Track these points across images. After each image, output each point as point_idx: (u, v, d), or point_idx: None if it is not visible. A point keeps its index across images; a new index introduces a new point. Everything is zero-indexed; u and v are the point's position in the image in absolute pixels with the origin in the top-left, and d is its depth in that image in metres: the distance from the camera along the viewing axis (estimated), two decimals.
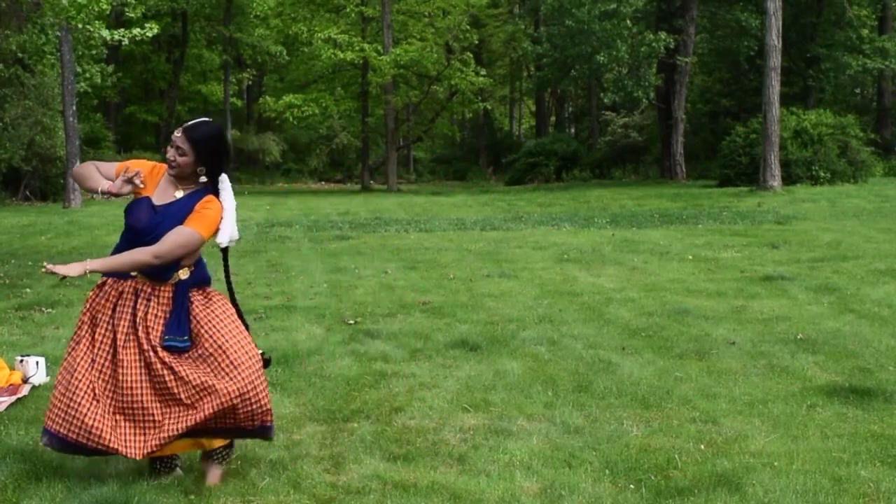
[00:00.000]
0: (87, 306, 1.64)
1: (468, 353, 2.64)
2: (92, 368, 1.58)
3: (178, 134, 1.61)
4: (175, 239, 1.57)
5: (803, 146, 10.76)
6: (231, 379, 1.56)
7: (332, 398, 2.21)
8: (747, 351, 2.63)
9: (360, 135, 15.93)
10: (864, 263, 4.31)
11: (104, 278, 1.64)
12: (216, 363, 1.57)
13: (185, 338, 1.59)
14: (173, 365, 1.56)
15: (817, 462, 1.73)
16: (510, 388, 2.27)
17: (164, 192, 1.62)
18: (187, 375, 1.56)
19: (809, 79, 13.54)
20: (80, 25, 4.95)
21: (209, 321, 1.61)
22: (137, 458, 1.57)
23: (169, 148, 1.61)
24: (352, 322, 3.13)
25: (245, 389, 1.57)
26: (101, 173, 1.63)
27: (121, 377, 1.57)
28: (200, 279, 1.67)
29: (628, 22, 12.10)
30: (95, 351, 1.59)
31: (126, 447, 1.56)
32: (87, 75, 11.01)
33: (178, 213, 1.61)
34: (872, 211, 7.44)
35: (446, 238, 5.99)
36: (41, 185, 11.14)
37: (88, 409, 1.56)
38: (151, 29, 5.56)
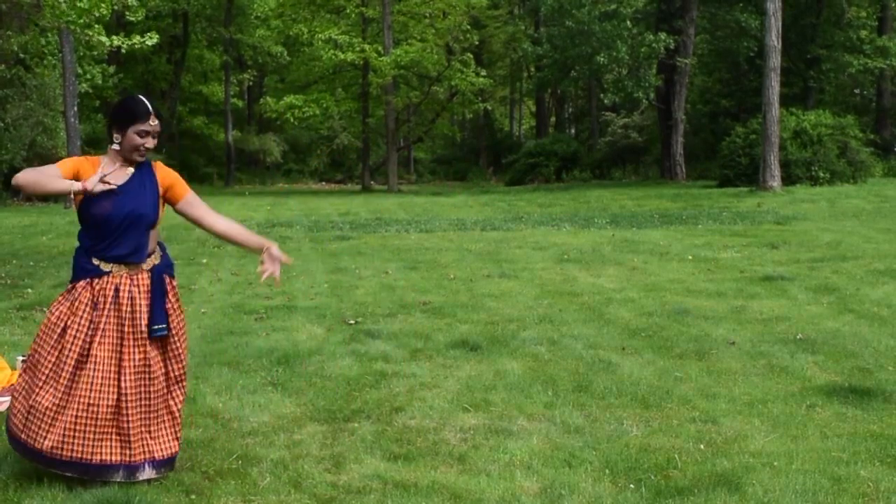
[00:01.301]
0: (56, 312, 1.58)
1: (468, 353, 2.65)
2: (59, 379, 1.54)
3: (155, 122, 1.59)
4: (204, 204, 1.61)
5: (803, 147, 10.76)
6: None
7: (333, 398, 2.21)
8: (747, 351, 2.64)
9: (360, 135, 15.92)
10: (863, 263, 4.32)
11: (75, 282, 1.60)
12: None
13: (165, 325, 1.61)
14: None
15: (817, 462, 1.73)
16: (510, 388, 2.28)
17: (114, 175, 1.58)
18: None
19: (809, 79, 13.55)
20: (79, 30, 4.96)
21: (176, 332, 1.63)
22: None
23: (147, 138, 1.57)
24: (352, 322, 3.14)
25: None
26: (52, 175, 1.55)
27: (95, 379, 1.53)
28: (169, 263, 1.68)
29: (628, 23, 12.10)
30: (64, 352, 1.55)
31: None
32: (89, 76, 11.04)
33: (138, 187, 1.59)
34: (872, 211, 7.44)
35: (447, 238, 6.00)
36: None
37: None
38: (151, 38, 5.58)
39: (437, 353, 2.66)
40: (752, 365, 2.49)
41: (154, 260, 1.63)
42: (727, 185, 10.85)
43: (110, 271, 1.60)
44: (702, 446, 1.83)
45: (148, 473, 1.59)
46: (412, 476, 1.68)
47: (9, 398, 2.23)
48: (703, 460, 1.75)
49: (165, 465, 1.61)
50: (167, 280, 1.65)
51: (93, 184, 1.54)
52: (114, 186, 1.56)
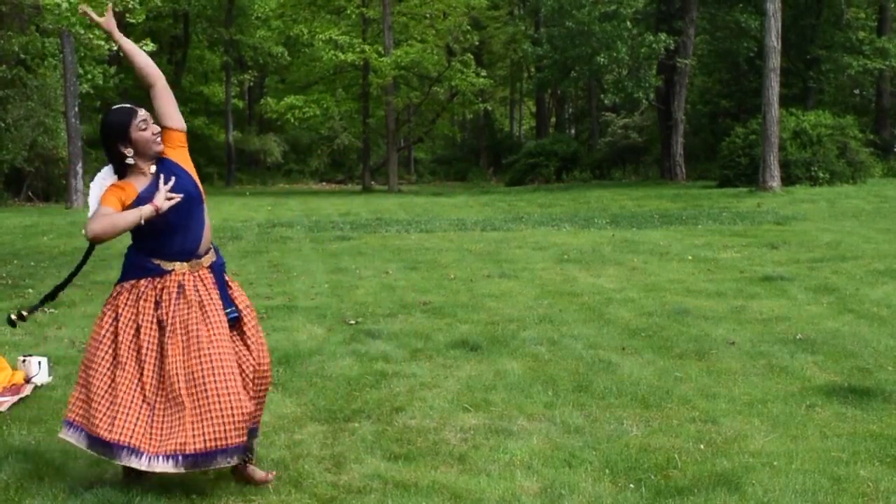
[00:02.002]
0: (112, 307, 1.58)
1: (469, 353, 2.65)
2: (134, 377, 1.54)
3: (142, 111, 1.60)
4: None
5: (802, 147, 10.76)
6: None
7: (333, 398, 2.21)
8: (747, 351, 2.64)
9: (360, 136, 15.91)
10: (863, 264, 4.31)
11: (132, 280, 1.59)
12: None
13: (234, 308, 1.63)
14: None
15: (816, 462, 1.73)
16: (510, 388, 2.28)
17: (141, 183, 1.59)
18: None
19: (809, 80, 13.55)
20: (81, 31, 4.97)
21: (247, 318, 1.64)
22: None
23: (150, 125, 1.58)
24: (353, 322, 3.14)
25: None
26: (115, 213, 1.56)
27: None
28: (223, 261, 1.70)
29: (628, 23, 12.09)
30: (142, 352, 1.55)
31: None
32: (90, 76, 11.01)
33: (167, 171, 1.59)
34: (871, 211, 7.43)
35: (447, 238, 6.00)
36: (43, 185, 11.19)
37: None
38: (146, 45, 5.63)
39: (438, 353, 2.66)
40: (752, 365, 2.49)
41: (211, 257, 1.66)
42: (727, 186, 10.85)
43: (172, 270, 1.60)
44: (702, 446, 1.83)
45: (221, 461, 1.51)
46: (412, 476, 1.68)
47: (9, 398, 2.24)
48: (703, 460, 1.75)
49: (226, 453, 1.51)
50: (227, 277, 1.68)
51: (161, 201, 1.56)
52: (179, 198, 1.57)
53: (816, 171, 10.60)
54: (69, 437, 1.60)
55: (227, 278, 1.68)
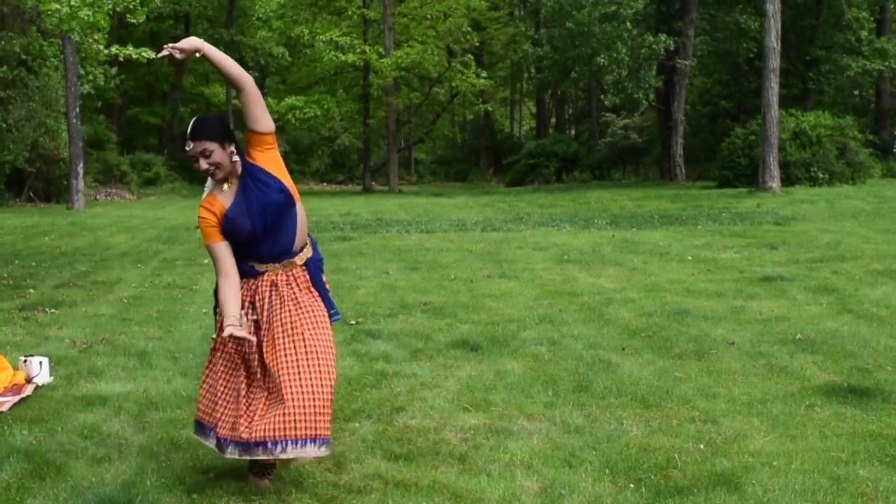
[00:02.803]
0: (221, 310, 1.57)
1: (469, 354, 2.66)
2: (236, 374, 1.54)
3: (191, 144, 1.55)
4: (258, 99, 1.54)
5: (802, 147, 10.77)
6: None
7: (334, 398, 2.23)
8: (746, 351, 2.64)
9: (361, 136, 15.95)
10: (862, 264, 4.32)
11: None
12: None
13: (336, 310, 1.63)
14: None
15: (816, 461, 1.74)
16: (511, 388, 2.28)
17: (227, 196, 1.58)
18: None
19: (808, 80, 13.56)
20: (77, 38, 5.00)
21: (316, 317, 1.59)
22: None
23: (198, 163, 1.55)
24: (353, 322, 3.14)
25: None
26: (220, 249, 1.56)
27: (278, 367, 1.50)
28: (320, 257, 1.67)
29: (628, 24, 12.11)
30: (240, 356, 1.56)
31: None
32: (91, 77, 11.03)
33: (254, 191, 1.55)
34: (871, 212, 7.44)
35: (447, 239, 6.01)
36: (45, 186, 11.20)
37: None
38: (146, 50, 5.68)
39: (438, 354, 2.66)
40: (752, 365, 2.49)
41: (307, 253, 1.63)
42: (727, 186, 10.86)
43: (265, 271, 1.60)
44: (701, 446, 1.83)
45: (291, 451, 1.50)
46: (413, 476, 1.68)
47: (10, 398, 2.24)
48: (703, 460, 1.75)
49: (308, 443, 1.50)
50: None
51: (232, 332, 1.50)
52: (249, 339, 1.52)
53: (816, 171, 10.61)
54: (196, 436, 1.64)
55: (325, 279, 1.65)
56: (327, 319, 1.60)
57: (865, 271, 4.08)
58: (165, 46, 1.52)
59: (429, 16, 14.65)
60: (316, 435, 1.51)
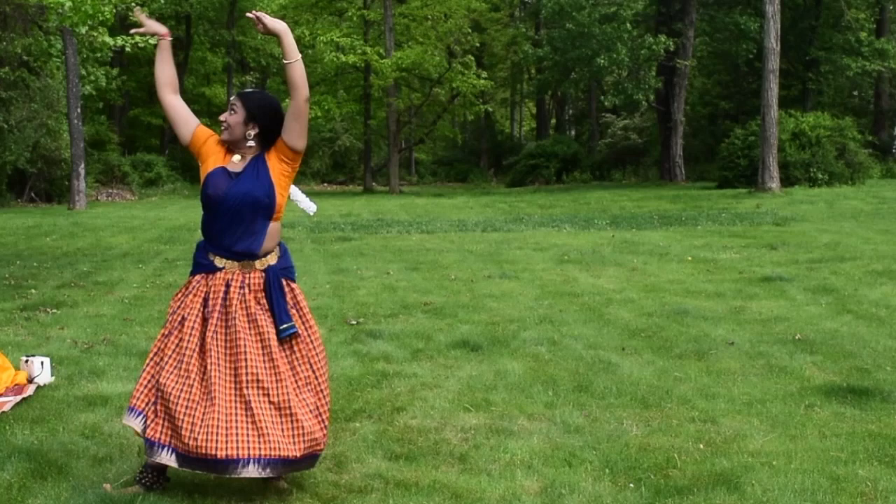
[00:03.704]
0: (174, 307, 1.58)
1: (469, 354, 2.66)
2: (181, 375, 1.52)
3: (234, 99, 1.61)
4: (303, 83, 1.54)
5: (801, 148, 10.79)
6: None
7: (335, 398, 2.20)
8: (746, 351, 2.65)
9: (362, 137, 15.96)
10: (861, 264, 4.32)
11: (190, 277, 1.60)
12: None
13: (293, 323, 1.56)
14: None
15: (815, 461, 1.74)
16: (511, 388, 2.29)
17: (236, 165, 1.60)
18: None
19: (808, 81, 13.59)
20: (84, 30, 4.98)
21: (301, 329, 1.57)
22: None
23: (226, 112, 1.60)
24: (354, 322, 3.15)
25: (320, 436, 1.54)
26: (183, 115, 1.62)
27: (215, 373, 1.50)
28: (287, 265, 1.63)
29: (628, 25, 12.14)
30: (182, 347, 1.53)
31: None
32: (92, 78, 11.03)
33: (252, 173, 1.57)
34: (870, 212, 7.45)
35: (448, 239, 6.01)
36: (46, 186, 11.18)
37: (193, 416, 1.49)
38: (153, 36, 5.63)
39: (439, 354, 2.67)
40: (751, 365, 2.49)
41: (270, 260, 1.59)
42: (726, 187, 10.87)
43: (223, 267, 1.57)
44: (701, 446, 1.84)
45: (251, 471, 1.49)
46: (413, 475, 1.69)
47: (12, 398, 2.25)
48: (703, 460, 1.76)
49: (275, 464, 1.50)
50: (284, 283, 1.59)
51: (147, 21, 1.60)
52: (162, 32, 1.59)
53: (815, 172, 10.62)
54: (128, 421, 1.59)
55: (287, 287, 1.59)
56: (272, 336, 1.53)
57: (864, 272, 4.09)
58: (254, 13, 1.54)
59: (429, 17, 14.66)
60: (258, 455, 1.49)
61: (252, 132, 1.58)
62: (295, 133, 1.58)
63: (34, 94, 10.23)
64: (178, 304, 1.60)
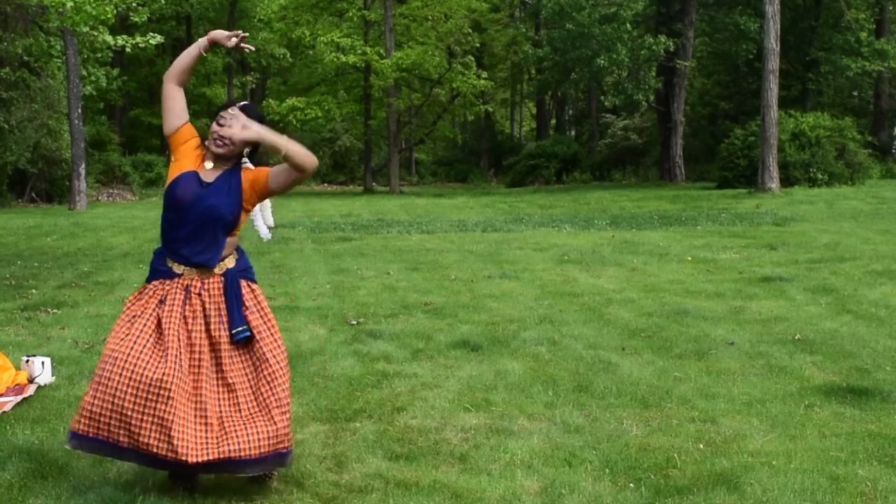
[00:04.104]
0: (127, 308, 1.58)
1: (469, 354, 2.66)
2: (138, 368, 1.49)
3: (232, 111, 1.57)
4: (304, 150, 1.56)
5: (801, 148, 10.80)
6: (275, 416, 1.52)
7: (335, 398, 2.22)
8: (746, 351, 2.65)
9: (362, 137, 15.93)
10: (861, 264, 4.33)
11: (147, 283, 1.60)
12: (264, 387, 1.53)
13: (246, 327, 1.56)
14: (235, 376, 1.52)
15: (815, 461, 1.74)
16: (511, 388, 2.29)
17: (209, 173, 1.59)
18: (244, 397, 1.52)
19: (807, 82, 13.59)
20: (85, 29, 4.98)
21: (260, 330, 1.58)
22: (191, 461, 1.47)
23: (223, 127, 1.55)
24: (354, 322, 3.15)
25: (283, 432, 1.53)
26: (178, 107, 1.60)
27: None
28: (246, 267, 1.64)
29: (628, 26, 12.14)
30: (131, 342, 1.51)
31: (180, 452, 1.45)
32: (93, 78, 11.07)
33: (224, 187, 1.57)
34: (869, 213, 7.45)
35: (448, 239, 6.01)
36: (47, 186, 11.17)
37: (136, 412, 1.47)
38: (154, 37, 5.62)
39: (439, 354, 2.67)
40: (751, 365, 2.50)
41: (228, 264, 1.60)
42: (726, 187, 10.88)
43: (182, 273, 1.58)
44: (701, 446, 1.84)
45: (215, 471, 1.51)
46: (414, 475, 1.69)
47: (13, 398, 2.25)
48: (703, 460, 1.76)
49: (235, 465, 1.51)
50: (245, 284, 1.60)
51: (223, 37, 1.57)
52: (251, 48, 1.60)
53: (815, 172, 10.63)
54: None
55: (247, 288, 1.60)
56: (225, 342, 1.54)
57: (864, 272, 4.09)
58: (227, 133, 1.52)
59: (429, 17, 14.66)
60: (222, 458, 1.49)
61: (248, 149, 1.59)
62: (283, 184, 1.60)
63: (35, 94, 10.23)
64: (130, 305, 1.59)
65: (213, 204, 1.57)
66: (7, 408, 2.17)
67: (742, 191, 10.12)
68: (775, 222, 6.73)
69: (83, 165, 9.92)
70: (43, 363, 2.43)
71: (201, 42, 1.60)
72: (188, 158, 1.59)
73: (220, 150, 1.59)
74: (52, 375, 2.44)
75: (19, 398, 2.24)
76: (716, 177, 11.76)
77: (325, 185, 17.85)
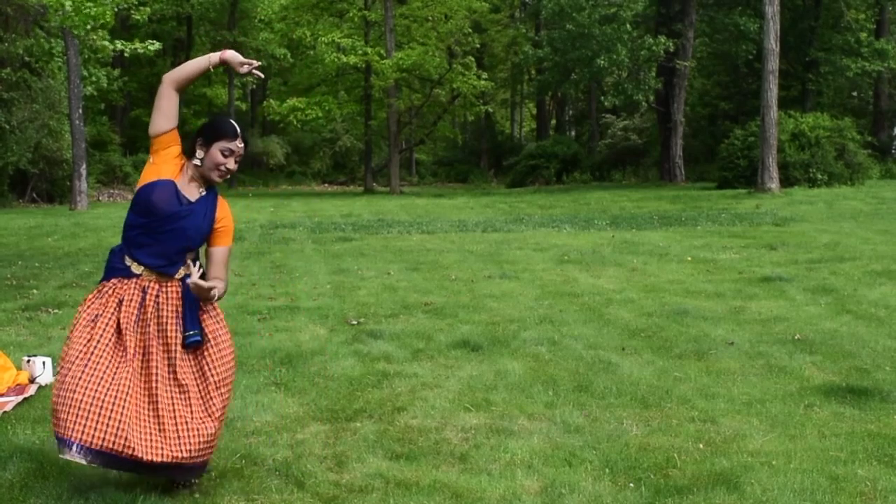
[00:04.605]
0: (86, 307, 1.57)
1: (470, 354, 2.67)
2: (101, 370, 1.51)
3: (241, 144, 1.59)
4: (226, 265, 1.59)
5: (801, 149, 10.79)
6: (211, 420, 1.55)
7: (336, 398, 2.23)
8: (745, 351, 2.65)
9: (362, 137, 15.94)
10: (860, 265, 4.33)
11: (104, 281, 1.60)
12: (207, 392, 1.56)
13: (198, 331, 1.58)
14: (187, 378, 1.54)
15: (815, 461, 1.75)
16: (511, 388, 2.30)
17: (187, 187, 1.59)
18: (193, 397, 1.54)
19: (807, 82, 13.58)
20: (82, 33, 4.99)
21: (214, 337, 1.59)
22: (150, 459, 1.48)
23: (230, 158, 1.56)
24: (355, 322, 3.15)
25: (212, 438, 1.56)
26: (171, 111, 1.58)
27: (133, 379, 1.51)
28: (201, 277, 1.64)
29: (628, 26, 12.14)
30: (92, 344, 1.52)
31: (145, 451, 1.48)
32: (94, 79, 11.04)
33: (201, 212, 1.58)
34: (869, 213, 7.45)
35: (448, 240, 6.02)
36: (48, 187, 11.17)
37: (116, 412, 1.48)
38: (153, 44, 5.63)
39: (439, 354, 2.68)
40: (751, 365, 2.50)
41: (186, 270, 1.61)
42: (726, 187, 10.88)
43: (140, 274, 1.58)
44: (701, 445, 1.84)
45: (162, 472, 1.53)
46: (414, 475, 1.69)
47: (14, 398, 2.26)
48: (702, 459, 1.76)
49: (168, 469, 1.54)
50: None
51: (236, 60, 1.54)
52: (256, 67, 1.55)
53: (815, 172, 10.63)
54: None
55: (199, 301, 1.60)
56: (178, 345, 1.54)
57: (864, 272, 4.09)
58: (191, 282, 1.52)
59: (430, 18, 14.67)
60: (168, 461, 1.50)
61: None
62: (211, 260, 1.61)
63: (36, 94, 10.22)
64: (89, 305, 1.58)
65: (186, 227, 1.57)
66: (8, 408, 2.17)
67: (742, 191, 10.12)
68: (775, 222, 6.73)
69: (84, 166, 9.92)
70: (44, 363, 2.43)
71: (213, 58, 1.59)
72: (168, 165, 1.59)
73: (219, 180, 1.60)
74: (53, 375, 2.44)
75: (20, 398, 2.25)
76: (716, 177, 11.76)
77: (326, 185, 17.88)
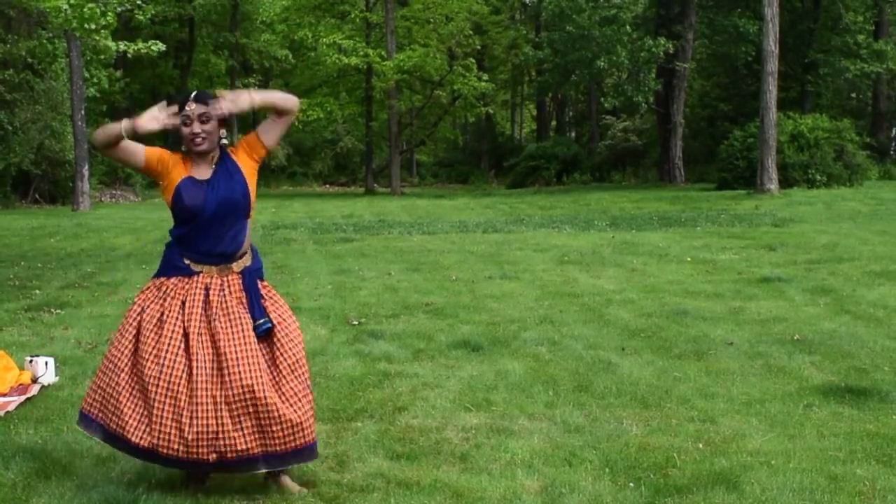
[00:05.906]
0: (146, 302, 1.57)
1: (470, 354, 2.68)
2: (154, 367, 1.50)
3: (193, 105, 1.53)
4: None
5: (800, 150, 10.81)
6: (292, 407, 1.53)
7: (337, 398, 2.24)
8: (745, 351, 2.66)
9: (364, 139, 15.98)
10: (859, 265, 4.34)
11: (164, 278, 1.58)
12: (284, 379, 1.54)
13: (268, 319, 1.57)
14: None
15: (814, 461, 1.75)
16: (511, 388, 2.30)
17: (199, 171, 1.58)
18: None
19: (806, 84, 13.57)
20: (85, 35, 5.02)
21: (279, 322, 1.58)
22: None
23: (193, 124, 1.52)
24: (356, 323, 3.16)
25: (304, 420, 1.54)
26: (131, 149, 1.55)
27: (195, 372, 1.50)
28: (259, 265, 1.65)
29: (628, 28, 12.16)
30: (163, 349, 1.52)
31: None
32: (96, 80, 11.07)
33: (222, 174, 1.56)
34: (868, 214, 7.45)
35: (449, 240, 6.02)
36: (50, 188, 11.18)
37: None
38: (156, 44, 5.64)
39: (440, 354, 2.69)
40: (750, 365, 2.51)
41: (245, 262, 1.61)
42: (725, 188, 10.89)
43: (200, 272, 1.58)
44: (700, 445, 1.85)
45: (245, 468, 1.52)
46: (415, 475, 1.70)
47: (16, 398, 2.27)
48: (702, 459, 1.77)
49: (266, 460, 1.53)
50: (259, 283, 1.62)
51: (144, 120, 1.49)
52: (171, 121, 1.51)
53: (814, 173, 10.64)
54: (82, 428, 1.62)
55: (261, 286, 1.61)
56: (244, 339, 1.53)
57: (863, 272, 4.09)
58: (220, 106, 1.51)
59: (431, 19, 14.70)
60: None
61: (223, 132, 1.58)
62: (275, 137, 1.61)
63: (38, 96, 10.24)
64: (150, 303, 1.58)
65: (223, 195, 1.56)
66: (11, 408, 2.18)
67: (741, 192, 10.13)
68: (774, 223, 6.73)
69: (86, 167, 9.93)
70: (46, 363, 2.44)
71: (126, 125, 1.52)
72: (175, 168, 1.58)
73: (201, 148, 1.57)
74: (56, 375, 2.45)
75: (23, 398, 2.25)
76: (715, 178, 11.77)
77: (327, 186, 17.87)
